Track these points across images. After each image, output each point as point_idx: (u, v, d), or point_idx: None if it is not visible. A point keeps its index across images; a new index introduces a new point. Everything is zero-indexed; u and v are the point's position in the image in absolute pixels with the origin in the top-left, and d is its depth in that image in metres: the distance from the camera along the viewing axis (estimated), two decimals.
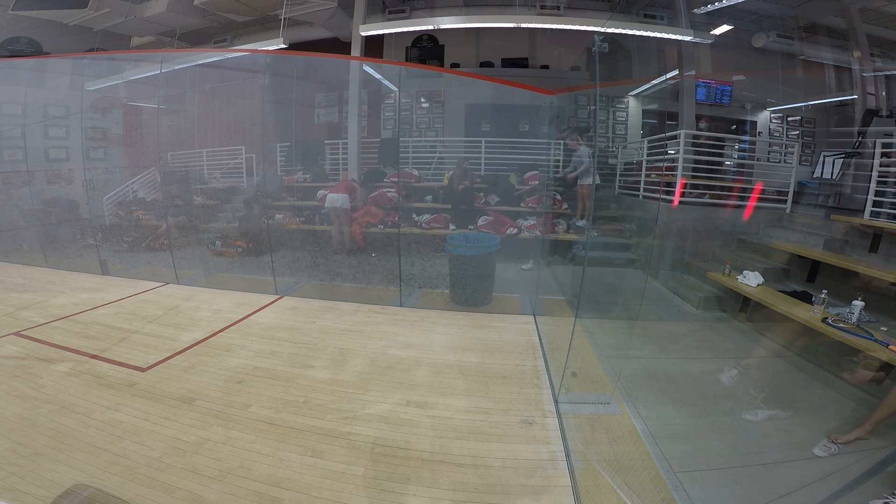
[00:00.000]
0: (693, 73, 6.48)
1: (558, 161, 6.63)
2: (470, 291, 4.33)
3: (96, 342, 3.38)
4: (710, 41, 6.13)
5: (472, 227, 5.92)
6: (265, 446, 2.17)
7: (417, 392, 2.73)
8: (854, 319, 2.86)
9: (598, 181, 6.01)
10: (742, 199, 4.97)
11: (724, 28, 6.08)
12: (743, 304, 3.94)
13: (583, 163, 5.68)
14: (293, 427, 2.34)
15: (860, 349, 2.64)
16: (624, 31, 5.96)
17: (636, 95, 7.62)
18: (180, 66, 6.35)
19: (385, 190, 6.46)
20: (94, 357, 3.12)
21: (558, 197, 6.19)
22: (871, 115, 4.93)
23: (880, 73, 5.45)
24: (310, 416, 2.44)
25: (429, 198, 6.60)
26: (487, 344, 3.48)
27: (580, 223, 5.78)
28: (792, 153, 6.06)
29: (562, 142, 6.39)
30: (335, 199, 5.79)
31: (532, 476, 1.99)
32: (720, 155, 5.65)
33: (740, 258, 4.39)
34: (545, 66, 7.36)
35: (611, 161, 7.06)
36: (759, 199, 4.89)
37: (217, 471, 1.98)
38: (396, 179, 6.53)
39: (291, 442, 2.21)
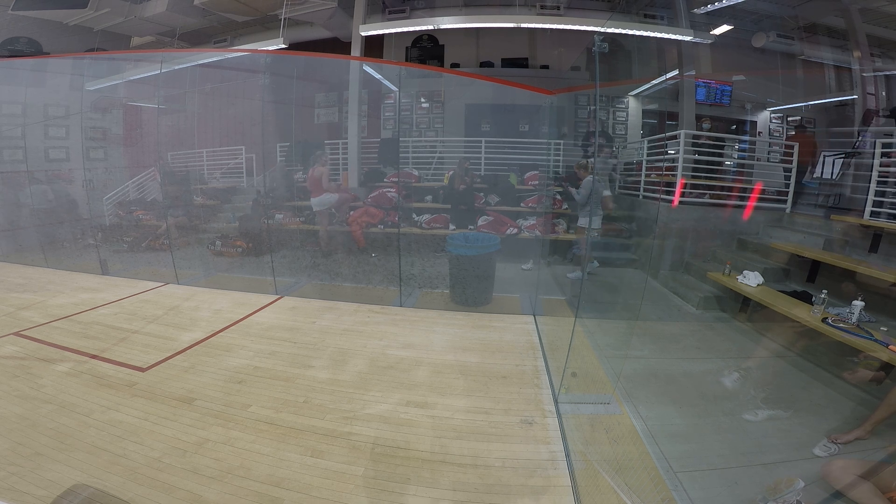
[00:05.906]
0: (693, 73, 6.48)
1: (558, 161, 6.64)
2: (470, 291, 4.33)
3: (96, 342, 3.38)
4: (710, 41, 6.12)
5: (472, 227, 5.92)
6: (265, 446, 2.17)
7: (417, 392, 2.73)
8: (854, 319, 2.86)
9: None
10: (742, 199, 4.97)
11: (724, 28, 6.07)
12: (743, 304, 3.94)
13: (580, 194, 5.01)
14: (293, 427, 2.34)
15: (860, 349, 2.64)
16: (624, 31, 5.96)
17: (636, 95, 7.62)
18: (180, 66, 6.34)
19: (385, 190, 6.46)
20: (94, 357, 3.12)
21: (558, 197, 6.19)
22: (871, 115, 4.93)
23: (880, 73, 5.44)
24: (310, 416, 2.44)
25: (429, 198, 6.60)
26: (487, 344, 3.48)
27: (593, 265, 5.15)
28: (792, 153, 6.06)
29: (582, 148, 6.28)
30: (314, 202, 5.89)
31: (532, 476, 1.99)
32: (720, 155, 5.65)
33: (740, 258, 4.39)
34: (545, 66, 7.36)
35: (611, 161, 7.07)
36: (759, 199, 4.89)
37: (217, 471, 1.98)
38: (396, 179, 6.53)
39: (291, 442, 2.21)
